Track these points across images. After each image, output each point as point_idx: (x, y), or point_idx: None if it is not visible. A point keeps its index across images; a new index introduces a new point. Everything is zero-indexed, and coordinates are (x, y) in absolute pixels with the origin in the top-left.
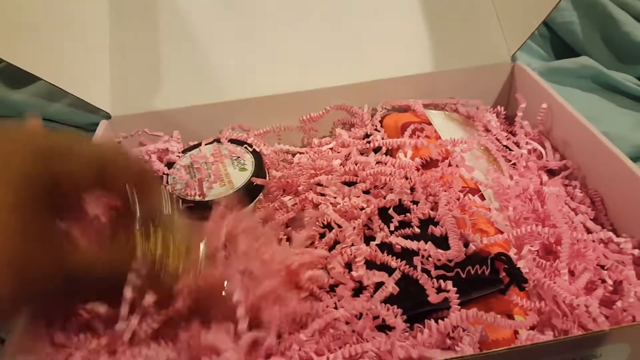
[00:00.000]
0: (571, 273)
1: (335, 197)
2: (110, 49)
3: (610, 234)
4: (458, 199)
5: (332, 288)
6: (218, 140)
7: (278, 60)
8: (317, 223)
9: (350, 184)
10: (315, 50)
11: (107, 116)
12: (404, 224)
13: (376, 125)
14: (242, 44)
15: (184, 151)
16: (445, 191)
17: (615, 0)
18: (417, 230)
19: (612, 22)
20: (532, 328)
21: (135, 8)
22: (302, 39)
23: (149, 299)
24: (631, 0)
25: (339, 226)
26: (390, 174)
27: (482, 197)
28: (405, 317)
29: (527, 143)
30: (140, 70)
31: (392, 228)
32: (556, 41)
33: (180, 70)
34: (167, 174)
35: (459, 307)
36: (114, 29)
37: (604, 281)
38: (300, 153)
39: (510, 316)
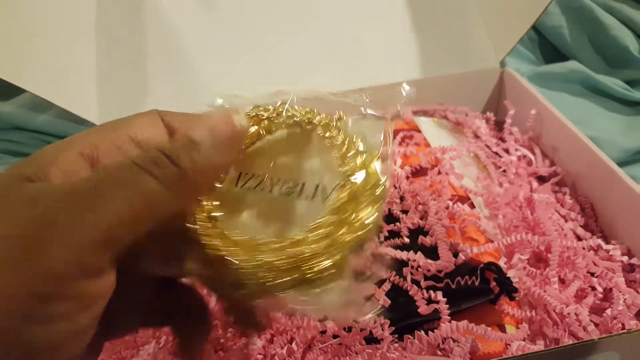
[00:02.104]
0: (561, 281)
1: None
2: (97, 60)
3: (600, 241)
4: (447, 208)
5: None
6: None
7: (268, 69)
8: None
9: None
10: (304, 59)
11: None
12: (393, 234)
13: None
14: (232, 54)
15: None
16: (434, 200)
17: (602, 4)
18: (407, 240)
19: (599, 26)
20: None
21: (122, 19)
22: (291, 48)
23: None
24: (618, 4)
25: None
26: None
27: (472, 205)
28: (394, 328)
29: (516, 150)
30: (127, 81)
31: (381, 238)
32: (545, 45)
33: (168, 81)
34: None
35: (449, 317)
36: (100, 40)
37: (594, 288)
38: None
39: (501, 326)
